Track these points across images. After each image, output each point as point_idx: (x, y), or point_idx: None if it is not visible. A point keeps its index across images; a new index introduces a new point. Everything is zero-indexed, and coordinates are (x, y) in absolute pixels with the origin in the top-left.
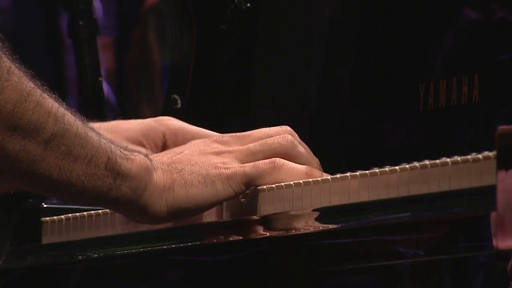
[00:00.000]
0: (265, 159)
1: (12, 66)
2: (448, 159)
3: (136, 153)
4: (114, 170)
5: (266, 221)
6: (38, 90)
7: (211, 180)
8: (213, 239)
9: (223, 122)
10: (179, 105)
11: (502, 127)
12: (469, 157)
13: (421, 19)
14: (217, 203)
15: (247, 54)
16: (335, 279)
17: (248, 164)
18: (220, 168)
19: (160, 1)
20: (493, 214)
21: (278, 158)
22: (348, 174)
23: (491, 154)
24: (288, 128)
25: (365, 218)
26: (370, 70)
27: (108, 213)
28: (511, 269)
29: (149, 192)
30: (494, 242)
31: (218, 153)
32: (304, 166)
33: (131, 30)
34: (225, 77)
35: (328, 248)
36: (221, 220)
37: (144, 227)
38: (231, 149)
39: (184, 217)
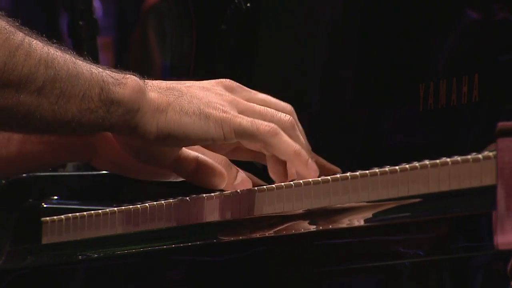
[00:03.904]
0: None
1: None
2: (448, 159)
3: (128, 75)
4: (108, 99)
5: (266, 221)
6: (26, 40)
7: (206, 115)
8: (213, 239)
9: None
10: None
11: (502, 123)
12: (469, 157)
13: (421, 19)
14: (205, 141)
15: (247, 54)
16: (335, 279)
17: (246, 117)
18: (218, 109)
19: (160, 1)
20: (493, 214)
21: (276, 126)
22: (348, 174)
23: (491, 154)
24: (292, 108)
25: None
26: (370, 70)
27: (108, 213)
28: (511, 270)
29: (142, 113)
30: (494, 242)
31: (220, 95)
32: (296, 144)
33: (131, 30)
34: (225, 77)
35: (328, 248)
36: (221, 220)
37: (144, 227)
38: (234, 97)
39: (172, 144)
